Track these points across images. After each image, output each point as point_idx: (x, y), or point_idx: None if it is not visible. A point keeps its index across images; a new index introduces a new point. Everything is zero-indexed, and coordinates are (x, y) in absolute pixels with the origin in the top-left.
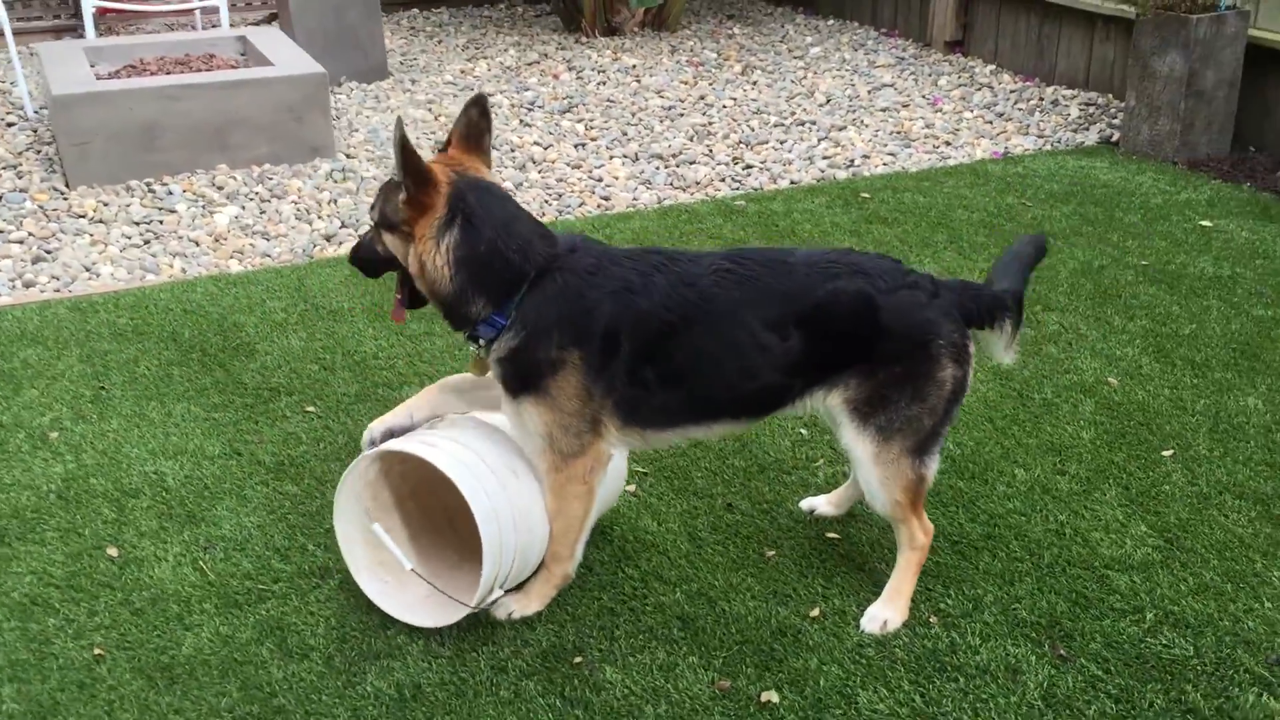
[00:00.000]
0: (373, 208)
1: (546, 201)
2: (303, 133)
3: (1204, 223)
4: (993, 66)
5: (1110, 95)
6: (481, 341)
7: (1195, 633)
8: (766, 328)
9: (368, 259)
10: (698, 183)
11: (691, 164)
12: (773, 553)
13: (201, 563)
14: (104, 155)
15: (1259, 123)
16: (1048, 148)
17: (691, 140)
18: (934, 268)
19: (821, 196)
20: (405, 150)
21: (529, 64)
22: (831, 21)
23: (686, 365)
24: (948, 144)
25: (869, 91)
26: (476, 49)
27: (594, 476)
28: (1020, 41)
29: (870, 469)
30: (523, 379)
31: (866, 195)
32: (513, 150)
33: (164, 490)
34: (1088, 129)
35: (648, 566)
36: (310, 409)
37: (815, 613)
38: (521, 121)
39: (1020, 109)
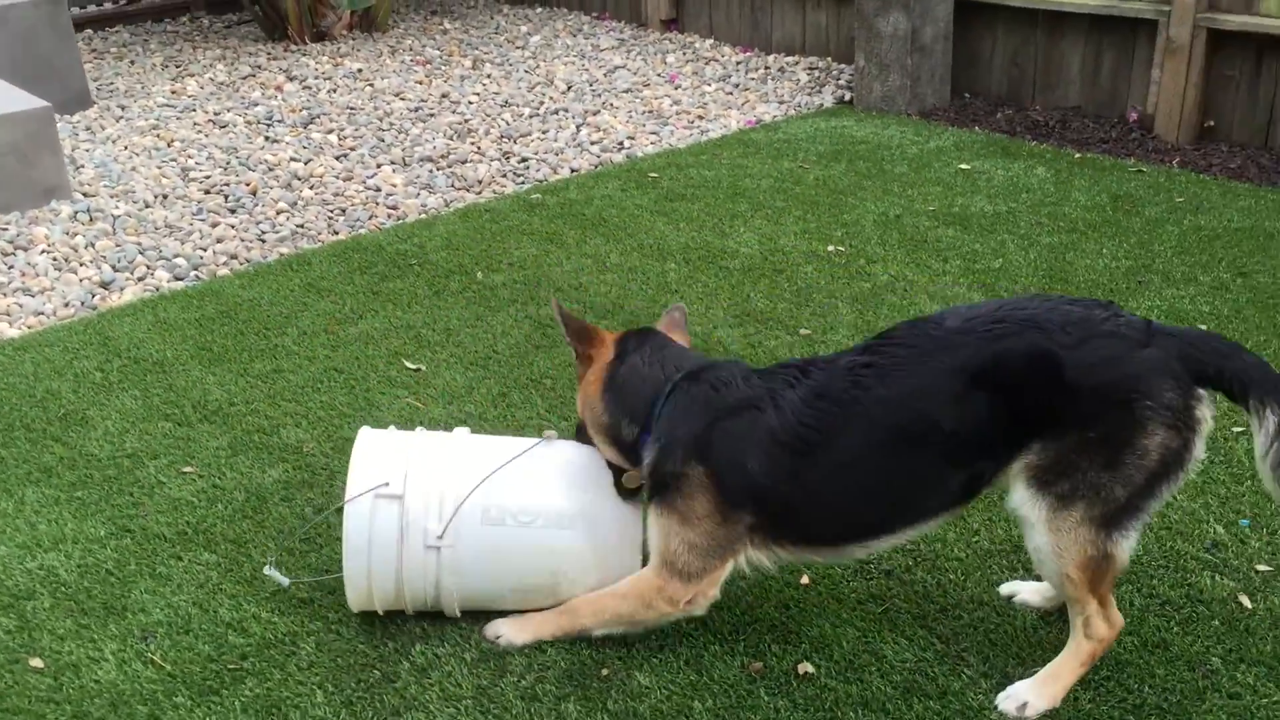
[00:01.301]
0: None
1: (331, 219)
2: (31, 174)
3: (962, 166)
4: (711, 41)
5: (830, 59)
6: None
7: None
8: (917, 423)
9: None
10: (480, 181)
11: (464, 163)
12: None
13: (149, 655)
14: None
15: (970, 71)
16: (792, 113)
17: (453, 139)
18: (752, 238)
19: (612, 181)
20: (565, 318)
21: (244, 78)
22: (540, 10)
23: (837, 487)
24: (700, 118)
25: (605, 75)
26: (178, 66)
27: (686, 610)
28: (734, 15)
29: (1042, 534)
30: (658, 487)
31: (654, 174)
32: (271, 169)
33: (62, 586)
34: (820, 91)
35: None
36: (187, 469)
37: (805, 580)
38: (267, 138)
39: (753, 79)
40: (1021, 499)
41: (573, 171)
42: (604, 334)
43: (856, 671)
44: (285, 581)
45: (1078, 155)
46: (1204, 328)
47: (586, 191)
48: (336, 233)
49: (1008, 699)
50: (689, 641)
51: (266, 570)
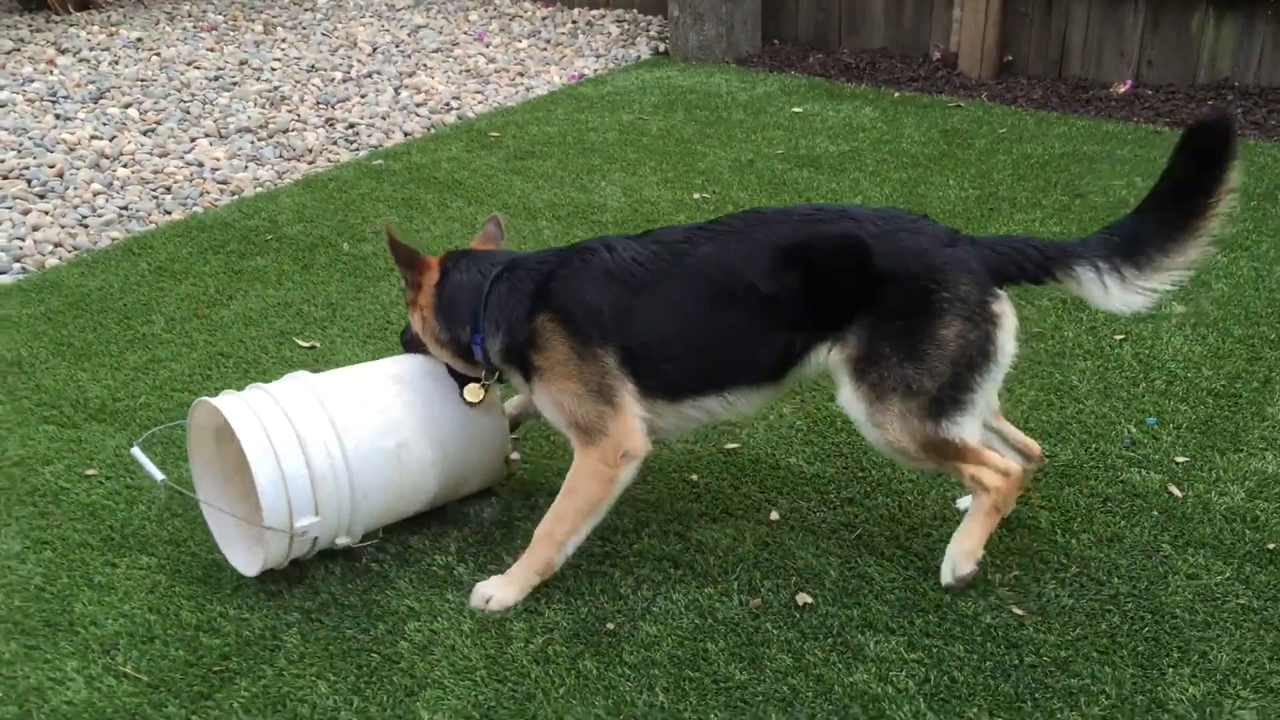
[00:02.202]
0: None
1: (157, 198)
2: None
3: (795, 110)
4: None
5: (636, 10)
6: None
7: (1063, 442)
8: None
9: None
10: (310, 150)
11: (286, 132)
12: (696, 477)
13: (119, 667)
14: None
15: (777, 18)
16: (611, 66)
17: (267, 108)
18: (615, 191)
19: (453, 143)
20: (396, 248)
21: (6, 53)
22: None
23: (672, 326)
24: (521, 74)
25: (409, 35)
26: None
27: (623, 465)
28: None
29: (870, 430)
30: (522, 367)
31: (495, 134)
32: (72, 149)
33: None
34: (634, 44)
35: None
36: (90, 472)
37: (774, 516)
38: (57, 116)
39: (563, 34)
40: (846, 394)
41: (406, 135)
42: (429, 259)
43: (851, 596)
44: (158, 474)
45: (896, 95)
46: None
47: (430, 154)
48: (169, 212)
49: (946, 573)
50: (683, 587)
51: (133, 452)
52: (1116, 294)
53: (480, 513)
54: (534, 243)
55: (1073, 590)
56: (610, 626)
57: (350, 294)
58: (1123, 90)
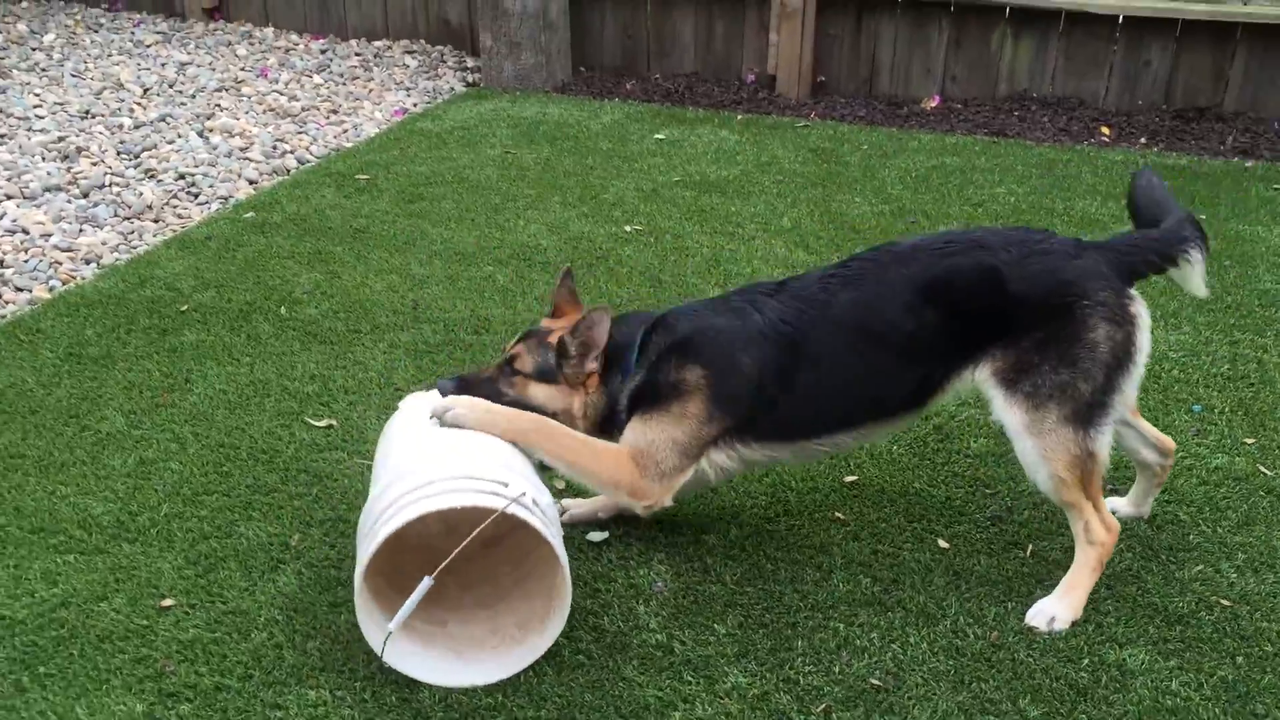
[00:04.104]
0: (514, 359)
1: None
2: None
3: (658, 136)
4: (273, 29)
5: (424, 41)
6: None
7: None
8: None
9: (493, 399)
10: (150, 207)
11: (103, 188)
12: (840, 514)
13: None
14: None
15: (583, 46)
16: (428, 98)
17: (63, 161)
18: (540, 229)
19: (323, 189)
20: (598, 341)
21: None
22: (25, 4)
23: (816, 379)
24: (334, 112)
25: (177, 73)
26: None
27: (638, 501)
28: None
29: (1026, 439)
30: (636, 404)
31: (362, 176)
32: None
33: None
34: (438, 75)
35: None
36: (167, 603)
37: (944, 544)
38: None
39: (355, 68)
40: (999, 405)
41: (252, 183)
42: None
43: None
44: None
45: (740, 117)
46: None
47: (304, 204)
48: (20, 289)
49: (1037, 615)
50: (903, 627)
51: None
52: (1204, 276)
53: (639, 575)
54: (496, 290)
55: (1256, 575)
56: (874, 682)
57: (329, 363)
58: (933, 105)
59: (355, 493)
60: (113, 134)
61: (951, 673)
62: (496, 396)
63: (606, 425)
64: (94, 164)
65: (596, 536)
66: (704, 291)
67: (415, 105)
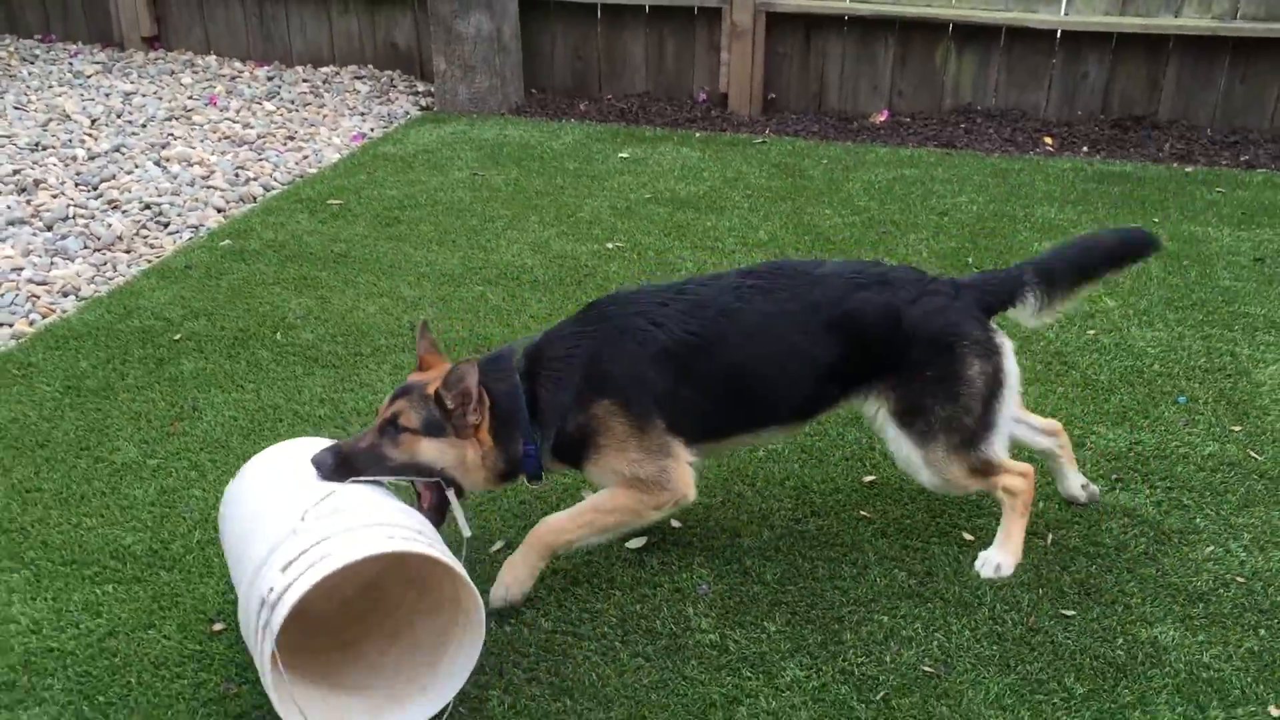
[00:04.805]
0: (397, 417)
1: None
2: None
3: (622, 155)
4: (214, 57)
5: (372, 66)
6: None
7: (1134, 428)
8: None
9: (380, 467)
10: (120, 238)
11: (68, 220)
12: (865, 512)
13: None
14: None
15: (533, 69)
16: (385, 123)
17: (22, 194)
18: (523, 249)
19: (296, 214)
20: (473, 391)
21: None
22: None
23: (724, 386)
24: (291, 138)
25: (123, 102)
26: None
27: (667, 507)
28: (237, 26)
29: (925, 473)
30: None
31: (334, 201)
32: None
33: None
34: (390, 100)
35: None
36: (218, 627)
37: (969, 537)
38: None
39: (305, 94)
40: (893, 440)
41: (220, 211)
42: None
43: (1052, 585)
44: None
45: (698, 135)
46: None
47: (280, 230)
48: (4, 324)
49: (984, 565)
50: (944, 621)
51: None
52: (1038, 317)
53: (682, 579)
54: (489, 310)
55: (1264, 553)
56: (926, 669)
57: (336, 386)
58: (881, 119)
59: None
60: (67, 165)
61: (996, 657)
62: (380, 462)
63: (509, 475)
64: (54, 196)
65: (636, 543)
66: None
67: (373, 130)
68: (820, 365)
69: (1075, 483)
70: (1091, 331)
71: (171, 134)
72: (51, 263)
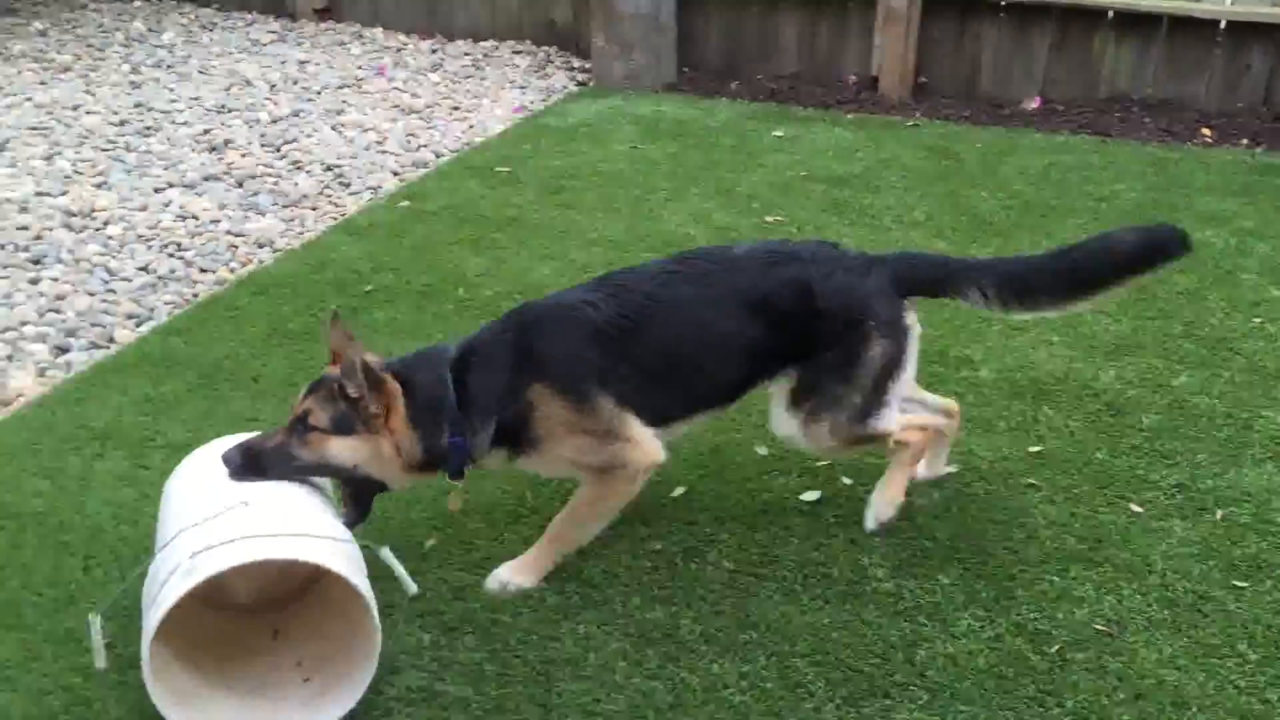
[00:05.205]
0: (306, 415)
1: (178, 258)
2: None
3: (777, 134)
4: (381, 29)
5: (529, 41)
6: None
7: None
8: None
9: (287, 467)
10: (305, 196)
11: (256, 178)
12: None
13: None
14: None
15: (687, 48)
16: (543, 97)
17: (212, 153)
18: (685, 219)
19: (467, 180)
20: (369, 372)
21: None
22: (139, 3)
23: (660, 369)
24: (456, 109)
25: (299, 70)
26: None
27: (642, 477)
28: (404, 1)
29: (804, 442)
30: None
31: (502, 169)
32: (24, 208)
33: None
34: (548, 75)
35: None
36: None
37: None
38: None
39: (466, 67)
40: (777, 415)
41: (396, 175)
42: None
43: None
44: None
45: (849, 116)
46: None
47: (453, 194)
48: (206, 270)
49: (869, 519)
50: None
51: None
52: (1014, 312)
53: (856, 531)
54: None
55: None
56: (1098, 628)
57: None
58: (1034, 106)
59: None
60: (251, 127)
61: (1168, 621)
62: (289, 462)
63: (427, 467)
64: (243, 155)
65: (810, 495)
66: None
67: (532, 103)
68: (745, 346)
69: (941, 464)
70: (1258, 319)
71: (345, 101)
72: (245, 216)
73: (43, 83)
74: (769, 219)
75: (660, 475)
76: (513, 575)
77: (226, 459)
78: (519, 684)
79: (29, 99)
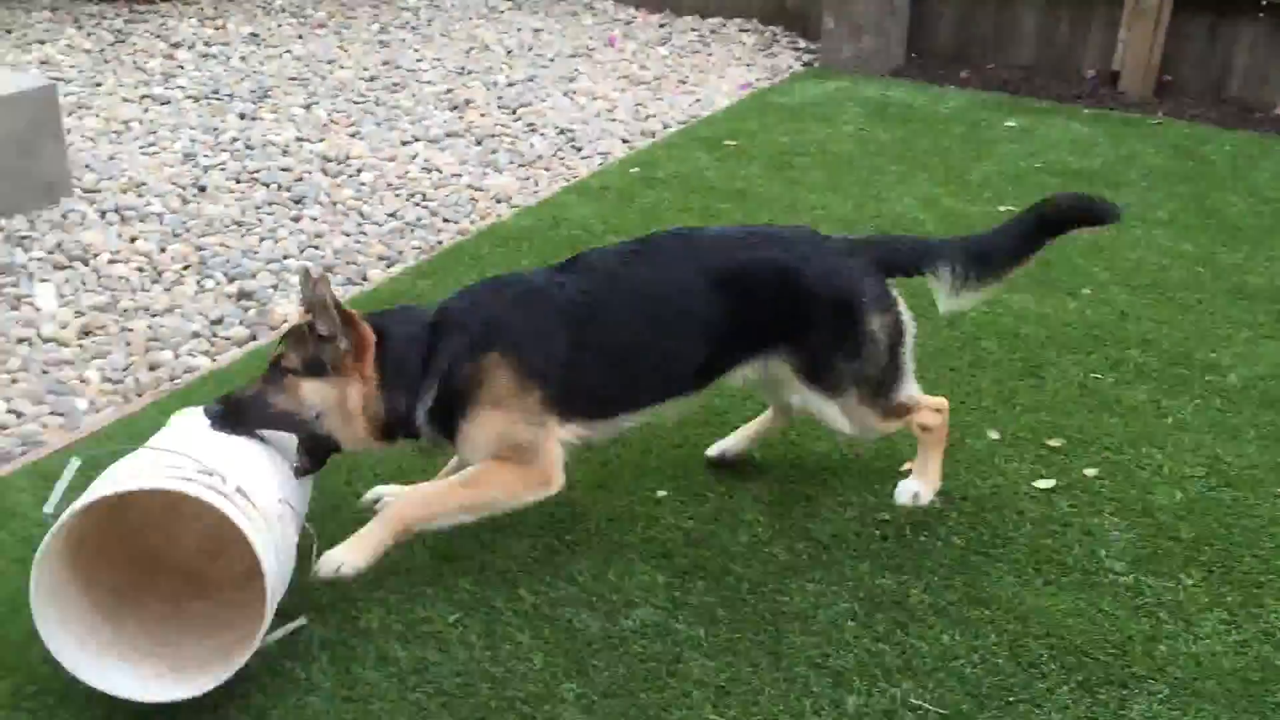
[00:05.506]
0: (280, 359)
1: (422, 206)
2: (32, 167)
3: (1009, 124)
4: (611, 3)
5: (755, 20)
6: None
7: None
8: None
9: (263, 415)
10: (540, 157)
11: (494, 137)
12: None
13: None
14: None
15: (918, 32)
16: (773, 77)
17: (455, 111)
18: (914, 203)
19: (695, 151)
20: (340, 309)
21: (110, 45)
22: None
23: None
24: (682, 82)
25: (533, 37)
26: (11, 33)
27: (538, 490)
28: None
29: (843, 423)
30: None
31: (730, 143)
32: (285, 151)
33: None
34: (774, 54)
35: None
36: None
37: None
38: (240, 116)
39: (694, 42)
40: (806, 399)
41: (625, 142)
42: (358, 317)
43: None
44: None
45: (1086, 111)
46: None
47: (682, 164)
48: (451, 221)
49: (903, 494)
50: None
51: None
52: (956, 296)
53: (1093, 523)
54: None
55: None
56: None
57: None
58: None
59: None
60: (489, 89)
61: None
62: (265, 410)
63: (391, 430)
64: (482, 115)
65: (1044, 483)
66: (1091, 275)
67: (758, 81)
68: (712, 327)
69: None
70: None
71: (576, 69)
72: (484, 173)
73: (300, 37)
74: (1001, 208)
75: (887, 448)
76: (345, 556)
77: (207, 410)
78: (749, 630)
79: (288, 51)
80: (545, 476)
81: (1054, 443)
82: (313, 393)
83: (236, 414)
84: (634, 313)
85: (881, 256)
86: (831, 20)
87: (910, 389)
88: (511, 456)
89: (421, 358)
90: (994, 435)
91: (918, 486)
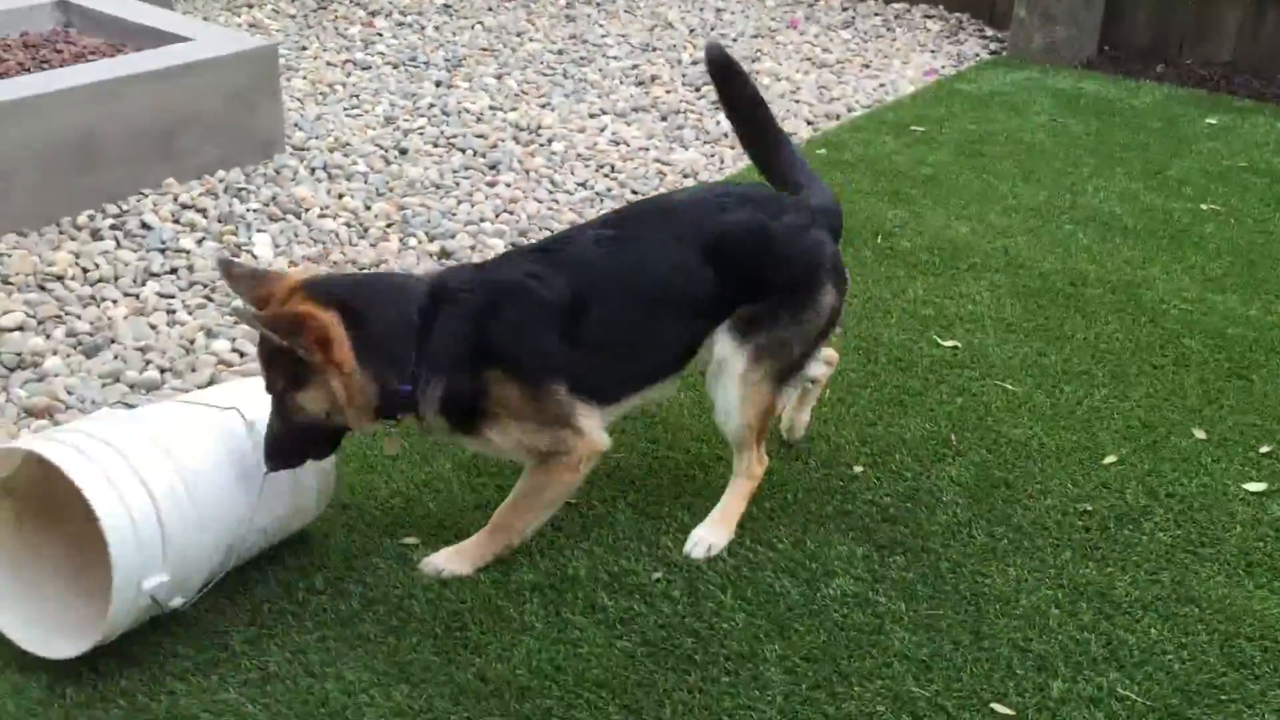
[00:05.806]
0: (271, 385)
1: (611, 178)
2: (254, 124)
3: (1210, 121)
4: None
5: (941, 6)
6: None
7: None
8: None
9: (306, 442)
10: (726, 135)
11: (679, 114)
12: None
13: None
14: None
15: (1111, 24)
16: (954, 63)
17: (641, 86)
18: (1110, 197)
19: (880, 134)
20: (280, 315)
21: (313, 11)
22: None
23: (611, 346)
24: (865, 67)
25: (715, 17)
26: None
27: (587, 465)
28: None
29: (736, 387)
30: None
31: (916, 129)
32: (479, 118)
33: None
34: (960, 41)
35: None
36: None
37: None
38: (436, 84)
39: (877, 26)
40: (726, 348)
41: (809, 124)
42: (313, 309)
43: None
44: None
45: None
46: None
47: (868, 147)
48: (638, 193)
49: (695, 545)
50: None
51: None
52: None
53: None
54: (1077, 248)
55: None
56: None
57: (937, 292)
58: None
59: (996, 410)
60: (673, 67)
61: None
62: (294, 439)
63: (385, 411)
64: (667, 91)
65: (1255, 486)
66: None
67: (943, 68)
68: (698, 299)
69: (806, 417)
70: None
71: (759, 50)
72: (670, 147)
73: (490, 8)
74: (1204, 206)
75: (1089, 440)
76: (447, 562)
77: (267, 463)
78: (950, 608)
79: (479, 23)
80: (587, 454)
81: (1264, 449)
82: (310, 402)
83: (279, 456)
84: (626, 300)
85: (831, 224)
86: (1023, 9)
87: (789, 396)
88: (544, 454)
89: (408, 342)
90: (1200, 435)
91: (714, 536)
